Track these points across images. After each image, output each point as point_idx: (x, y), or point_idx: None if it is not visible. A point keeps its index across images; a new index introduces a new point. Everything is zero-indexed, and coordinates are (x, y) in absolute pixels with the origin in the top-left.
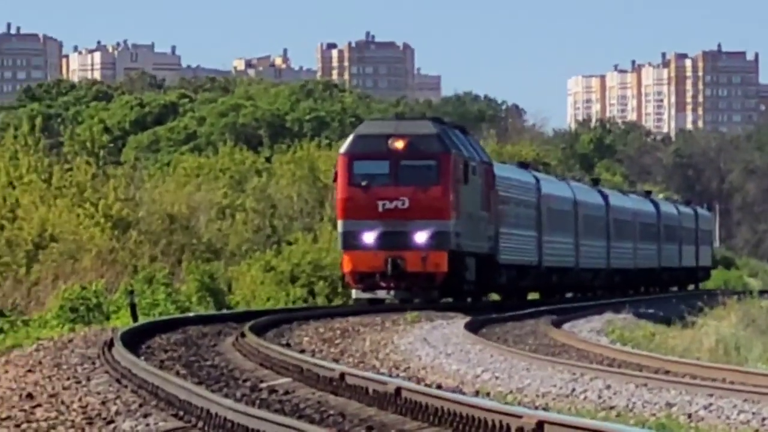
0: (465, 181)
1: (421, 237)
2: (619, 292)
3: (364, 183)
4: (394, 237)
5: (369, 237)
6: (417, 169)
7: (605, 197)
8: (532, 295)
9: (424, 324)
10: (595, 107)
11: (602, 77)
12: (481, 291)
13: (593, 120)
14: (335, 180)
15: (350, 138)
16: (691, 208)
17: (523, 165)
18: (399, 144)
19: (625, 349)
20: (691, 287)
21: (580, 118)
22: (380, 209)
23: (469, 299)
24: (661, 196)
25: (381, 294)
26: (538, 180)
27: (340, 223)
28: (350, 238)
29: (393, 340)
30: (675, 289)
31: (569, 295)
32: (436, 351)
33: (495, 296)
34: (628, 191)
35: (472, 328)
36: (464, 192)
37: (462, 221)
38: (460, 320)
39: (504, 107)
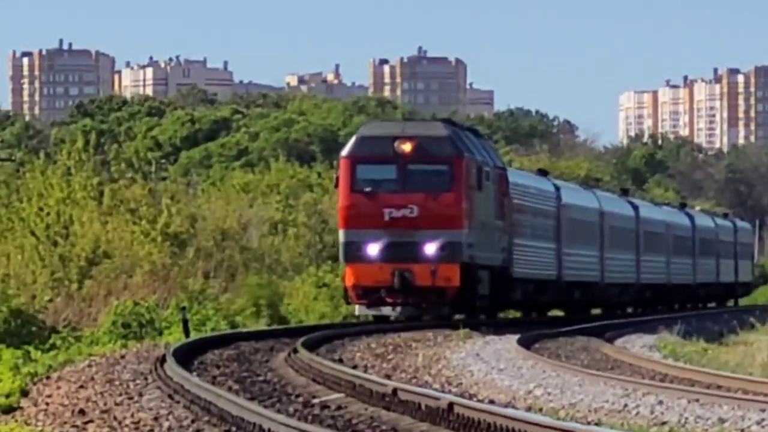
0: (478, 188)
1: (430, 248)
2: (650, 309)
3: (368, 189)
4: (401, 248)
5: (374, 248)
6: (426, 174)
7: (635, 208)
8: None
9: (476, 339)
10: (647, 123)
11: (654, 93)
12: (495, 307)
13: (645, 135)
14: (337, 185)
15: (353, 140)
16: (730, 220)
17: (542, 172)
18: (407, 146)
19: (677, 364)
20: (730, 303)
21: (632, 133)
22: (386, 218)
23: (482, 316)
24: (697, 208)
25: (386, 311)
26: (558, 188)
27: (341, 232)
28: (353, 250)
29: (445, 355)
30: (713, 305)
31: (597, 311)
32: (489, 366)
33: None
34: (660, 203)
35: (525, 343)
36: (477, 200)
37: (475, 231)
38: (513, 336)
39: (556, 123)
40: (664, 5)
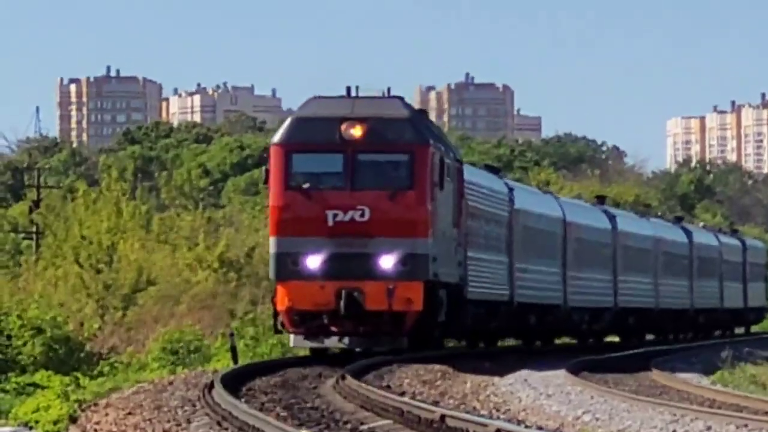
0: (440, 186)
1: (387, 262)
2: (636, 338)
3: (306, 185)
4: (349, 261)
5: (314, 261)
6: (382, 167)
7: (612, 218)
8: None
9: (524, 365)
10: (695, 148)
11: (702, 118)
12: (445, 336)
13: (693, 161)
14: (266, 181)
15: (287, 122)
16: (738, 238)
17: (493, 169)
18: (356, 131)
19: (726, 390)
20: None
21: (679, 159)
22: (330, 222)
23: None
24: (701, 224)
25: (330, 342)
26: (511, 189)
27: (272, 241)
28: (287, 263)
29: (493, 381)
30: (718, 333)
31: (569, 340)
32: (537, 392)
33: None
34: (650, 214)
35: (573, 369)
36: (440, 200)
37: (438, 241)
38: (561, 361)
39: (604, 148)
40: (710, 31)
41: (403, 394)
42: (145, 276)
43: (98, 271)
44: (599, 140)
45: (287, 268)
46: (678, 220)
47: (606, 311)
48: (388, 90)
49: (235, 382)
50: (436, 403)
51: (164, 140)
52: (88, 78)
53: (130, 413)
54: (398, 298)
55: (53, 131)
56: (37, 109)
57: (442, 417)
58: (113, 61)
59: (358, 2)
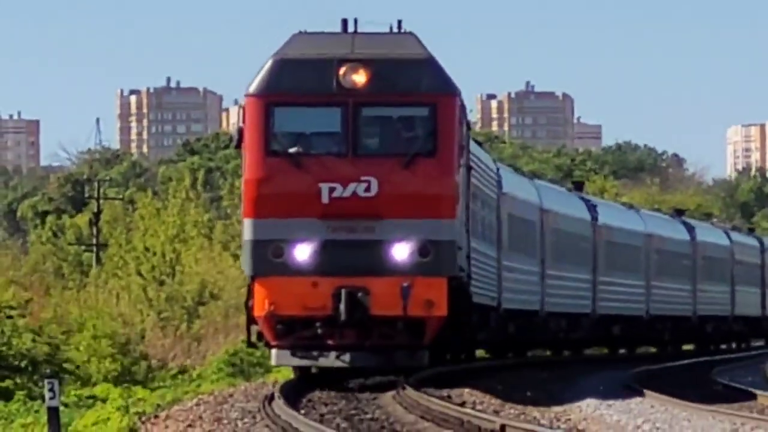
0: (461, 153)
1: (401, 251)
2: (628, 350)
3: (293, 150)
4: (350, 252)
5: (303, 251)
6: (394, 125)
7: (592, 208)
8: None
9: (585, 375)
10: (755, 156)
11: (762, 126)
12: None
13: (753, 169)
14: (239, 144)
15: (267, 64)
16: (755, 237)
17: (477, 143)
18: (360, 76)
19: None
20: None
21: (739, 167)
22: (325, 199)
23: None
24: (714, 220)
25: (326, 360)
26: (497, 169)
27: (247, 224)
28: (267, 254)
29: (554, 391)
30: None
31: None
32: (597, 402)
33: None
34: (642, 207)
35: (634, 378)
36: (461, 173)
37: (460, 224)
38: (622, 371)
39: (664, 156)
40: None
41: (463, 404)
42: (208, 290)
43: (161, 283)
44: (659, 148)
45: (268, 260)
46: (679, 213)
47: (583, 318)
48: (399, 23)
49: (295, 393)
50: (496, 413)
51: (224, 151)
52: (148, 89)
53: (190, 425)
54: (416, 299)
55: (113, 143)
56: (98, 120)
57: (503, 427)
58: (173, 72)
59: (419, 12)
